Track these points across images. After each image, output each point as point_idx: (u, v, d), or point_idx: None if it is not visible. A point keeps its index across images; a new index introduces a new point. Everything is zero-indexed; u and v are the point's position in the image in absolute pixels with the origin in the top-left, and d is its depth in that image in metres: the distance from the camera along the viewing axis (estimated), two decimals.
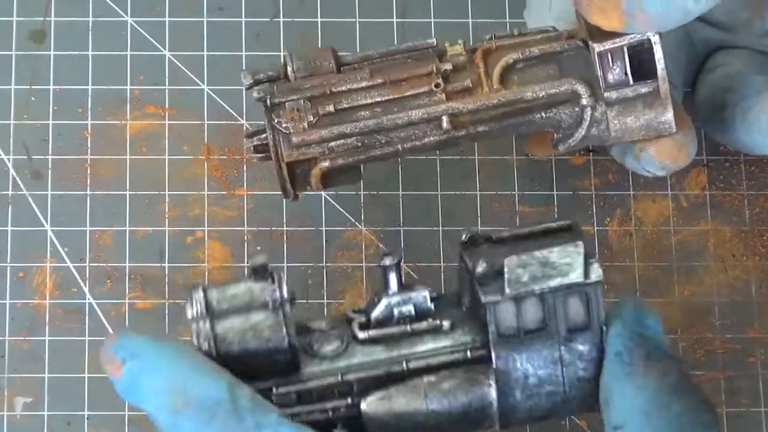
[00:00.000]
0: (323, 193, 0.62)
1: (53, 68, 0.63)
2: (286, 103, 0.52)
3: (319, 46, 0.64)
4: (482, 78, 0.52)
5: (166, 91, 0.63)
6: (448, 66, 0.52)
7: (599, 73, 0.51)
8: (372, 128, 0.52)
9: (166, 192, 0.62)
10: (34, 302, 0.60)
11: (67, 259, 0.61)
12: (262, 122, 0.53)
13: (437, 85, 0.52)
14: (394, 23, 0.64)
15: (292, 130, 0.52)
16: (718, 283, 0.62)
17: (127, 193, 0.62)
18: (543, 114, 0.53)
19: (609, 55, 0.51)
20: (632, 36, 0.50)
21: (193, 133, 0.63)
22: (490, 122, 0.53)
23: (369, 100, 0.52)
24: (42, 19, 0.63)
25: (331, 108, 0.52)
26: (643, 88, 0.51)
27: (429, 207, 0.62)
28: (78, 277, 0.61)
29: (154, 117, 0.63)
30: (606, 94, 0.51)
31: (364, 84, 0.52)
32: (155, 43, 0.63)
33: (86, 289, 0.60)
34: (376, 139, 0.53)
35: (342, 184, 0.55)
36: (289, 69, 0.53)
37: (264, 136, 0.53)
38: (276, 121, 0.52)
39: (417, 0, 0.65)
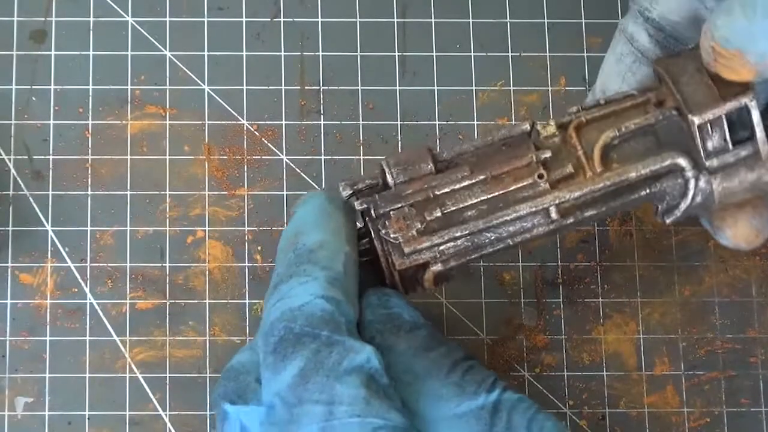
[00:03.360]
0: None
1: (54, 68, 0.63)
2: (392, 212, 0.51)
3: (320, 47, 0.64)
4: (583, 161, 0.51)
5: (167, 91, 0.63)
6: (547, 154, 0.51)
7: (699, 142, 0.50)
8: (481, 228, 0.51)
9: (167, 192, 0.62)
10: (34, 302, 0.60)
11: (67, 259, 0.61)
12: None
13: (540, 176, 0.50)
14: (395, 23, 0.64)
15: (401, 240, 0.50)
16: (718, 283, 0.62)
17: (128, 193, 0.62)
18: (648, 189, 0.51)
19: (708, 124, 0.49)
20: (731, 104, 0.49)
21: (194, 133, 0.63)
22: (596, 204, 0.51)
23: (474, 199, 0.51)
24: (43, 19, 0.63)
25: (438, 213, 0.50)
26: (743, 152, 0.50)
27: None
28: (78, 277, 0.61)
29: (154, 117, 0.63)
30: (708, 163, 0.50)
31: (466, 183, 0.51)
32: (156, 43, 0.63)
33: (87, 289, 0.61)
34: (485, 237, 0.51)
35: (453, 280, 0.54)
36: (388, 176, 0.51)
37: (365, 240, 0.52)
38: (384, 231, 0.51)
39: (417, 0, 0.65)
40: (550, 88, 0.64)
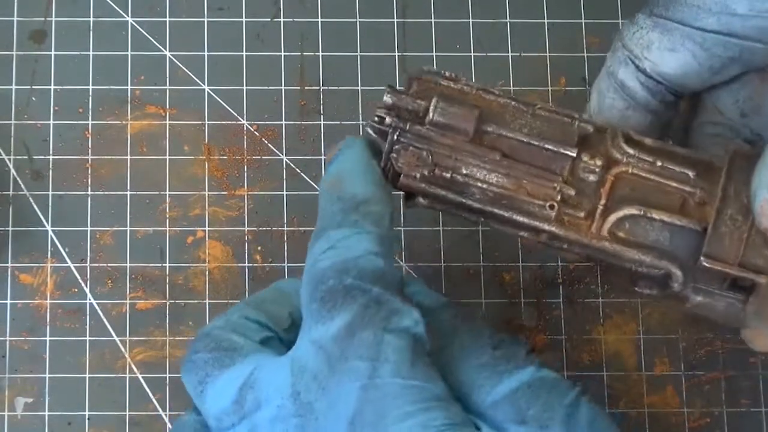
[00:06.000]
0: None
1: (54, 68, 0.63)
2: (411, 148, 0.51)
3: (320, 48, 0.64)
4: (596, 215, 0.50)
5: (167, 91, 0.63)
6: (572, 192, 0.51)
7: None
8: (474, 208, 0.51)
9: (167, 192, 0.62)
10: (34, 302, 0.60)
11: (67, 259, 0.61)
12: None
13: (551, 207, 0.51)
14: (394, 23, 0.64)
15: (403, 171, 0.51)
16: None
17: (128, 193, 0.62)
18: (633, 267, 0.51)
19: (712, 270, 0.49)
20: (744, 274, 0.48)
21: (194, 133, 0.63)
22: (581, 250, 0.52)
23: (485, 185, 0.51)
24: (42, 19, 0.63)
25: (447, 175, 0.51)
26: (733, 299, 0.49)
27: None
28: (78, 277, 0.61)
29: (154, 117, 0.63)
30: (697, 285, 0.50)
31: (488, 166, 0.51)
32: (155, 43, 0.63)
33: (87, 290, 0.61)
34: (474, 215, 0.52)
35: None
36: (429, 115, 0.51)
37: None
38: (394, 155, 0.51)
39: (417, 0, 0.65)
40: (549, 88, 0.64)
